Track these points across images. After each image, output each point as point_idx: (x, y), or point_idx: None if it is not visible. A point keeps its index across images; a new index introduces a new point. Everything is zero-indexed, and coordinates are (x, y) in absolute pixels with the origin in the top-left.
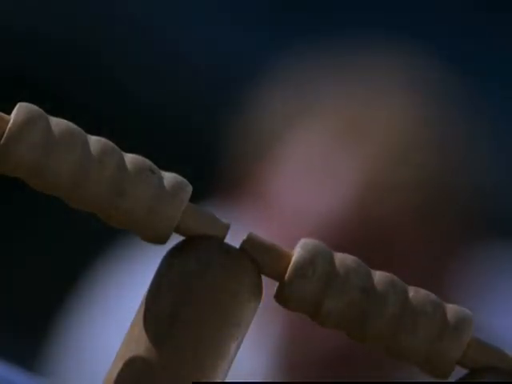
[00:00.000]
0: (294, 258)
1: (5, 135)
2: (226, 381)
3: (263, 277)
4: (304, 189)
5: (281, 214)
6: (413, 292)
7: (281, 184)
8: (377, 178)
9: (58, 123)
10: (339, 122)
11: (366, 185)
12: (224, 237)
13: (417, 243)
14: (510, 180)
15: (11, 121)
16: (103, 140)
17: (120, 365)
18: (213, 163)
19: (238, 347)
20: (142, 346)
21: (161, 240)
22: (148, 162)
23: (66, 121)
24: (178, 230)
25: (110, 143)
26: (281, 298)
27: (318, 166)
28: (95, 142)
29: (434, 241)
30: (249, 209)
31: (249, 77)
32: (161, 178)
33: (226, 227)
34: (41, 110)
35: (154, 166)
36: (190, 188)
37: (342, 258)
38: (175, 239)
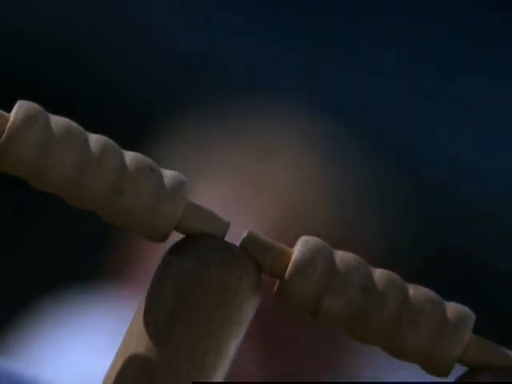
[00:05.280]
0: (294, 256)
1: (5, 133)
2: (226, 380)
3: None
4: None
5: None
6: (412, 290)
7: None
8: (274, 230)
9: (57, 121)
10: (237, 179)
11: (271, 230)
12: (224, 235)
13: None
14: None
15: (11, 119)
16: (103, 138)
17: (119, 363)
18: None
19: (237, 345)
20: (141, 344)
21: (160, 238)
22: (148, 159)
23: (65, 119)
24: (177, 228)
25: (110, 141)
26: (281, 296)
27: (222, 212)
28: (95, 140)
29: None
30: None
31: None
32: (161, 176)
33: (226, 225)
34: (41, 107)
35: (154, 164)
36: (189, 186)
37: (342, 256)
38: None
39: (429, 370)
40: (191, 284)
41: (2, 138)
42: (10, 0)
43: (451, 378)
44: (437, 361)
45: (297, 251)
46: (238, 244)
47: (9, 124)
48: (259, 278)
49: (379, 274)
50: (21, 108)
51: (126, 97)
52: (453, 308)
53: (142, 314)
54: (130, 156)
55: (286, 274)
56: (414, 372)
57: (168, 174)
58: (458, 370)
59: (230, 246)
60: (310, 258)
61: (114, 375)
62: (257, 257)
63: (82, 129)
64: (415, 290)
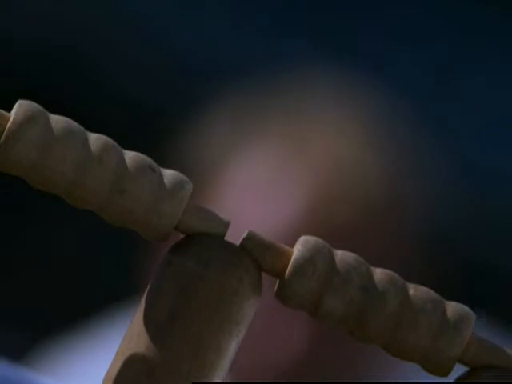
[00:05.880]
0: (293, 256)
1: (5, 133)
2: (226, 380)
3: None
4: (256, 207)
5: (231, 234)
6: (413, 290)
7: (232, 203)
8: (327, 192)
9: (58, 121)
10: (286, 142)
11: (317, 199)
12: (224, 234)
13: (371, 251)
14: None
15: (11, 119)
16: (103, 137)
17: (120, 363)
18: None
19: (237, 345)
20: (142, 343)
21: (161, 238)
22: (148, 159)
23: (66, 118)
24: (177, 228)
25: (111, 141)
26: (281, 295)
27: (268, 184)
28: (95, 139)
29: (387, 249)
30: None
31: (195, 100)
32: (161, 176)
33: (226, 225)
34: (41, 107)
35: (155, 164)
36: (190, 186)
37: (342, 256)
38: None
39: (429, 369)
40: (191, 284)
41: (2, 137)
42: (9, 5)
43: (451, 378)
44: (437, 360)
45: (296, 251)
46: (237, 244)
47: (9, 124)
48: (259, 278)
49: (379, 273)
50: (21, 107)
51: (125, 97)
52: (453, 307)
53: (142, 313)
54: (130, 156)
55: (286, 274)
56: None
57: (168, 174)
58: (458, 370)
59: (230, 246)
60: (309, 257)
61: (114, 375)
62: (257, 256)
63: (82, 128)
64: (415, 290)
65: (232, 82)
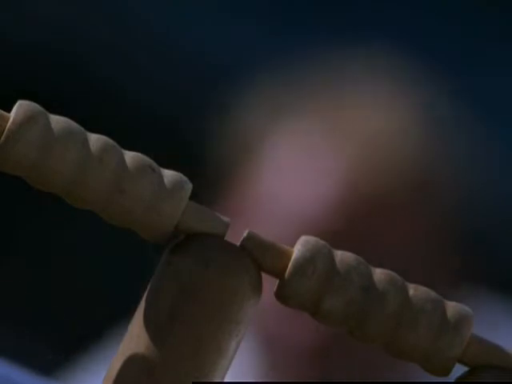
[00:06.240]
0: (294, 256)
1: (5, 133)
2: (226, 380)
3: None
4: (292, 185)
5: (270, 212)
6: (413, 290)
7: (269, 181)
8: (365, 166)
9: (58, 121)
10: (324, 117)
11: (355, 173)
12: (224, 234)
13: (407, 228)
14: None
15: (11, 119)
16: (103, 138)
17: (120, 363)
18: (199, 164)
19: (238, 345)
20: (142, 343)
21: (161, 238)
22: (148, 159)
23: (66, 118)
24: (177, 228)
25: (111, 141)
26: (281, 295)
27: (304, 160)
28: (95, 139)
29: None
30: (237, 208)
31: (235, 77)
32: (161, 176)
33: (226, 225)
34: (41, 107)
35: (155, 164)
36: (190, 186)
37: (342, 256)
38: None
39: (429, 369)
40: (191, 284)
41: (2, 138)
42: (9, 6)
43: (451, 378)
44: (437, 360)
45: (296, 251)
46: (238, 244)
47: (9, 124)
48: (259, 278)
49: (379, 273)
50: (21, 108)
51: (125, 97)
52: (453, 308)
53: (142, 313)
54: (130, 156)
55: (286, 274)
56: None
57: (168, 174)
58: (459, 370)
59: (230, 246)
60: (309, 257)
61: (114, 374)
62: (257, 256)
63: (82, 129)
64: (415, 290)
65: (268, 62)
